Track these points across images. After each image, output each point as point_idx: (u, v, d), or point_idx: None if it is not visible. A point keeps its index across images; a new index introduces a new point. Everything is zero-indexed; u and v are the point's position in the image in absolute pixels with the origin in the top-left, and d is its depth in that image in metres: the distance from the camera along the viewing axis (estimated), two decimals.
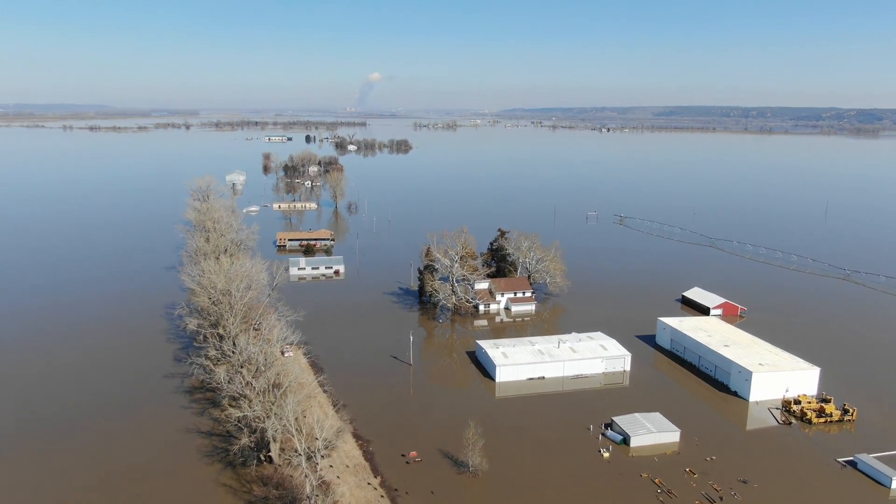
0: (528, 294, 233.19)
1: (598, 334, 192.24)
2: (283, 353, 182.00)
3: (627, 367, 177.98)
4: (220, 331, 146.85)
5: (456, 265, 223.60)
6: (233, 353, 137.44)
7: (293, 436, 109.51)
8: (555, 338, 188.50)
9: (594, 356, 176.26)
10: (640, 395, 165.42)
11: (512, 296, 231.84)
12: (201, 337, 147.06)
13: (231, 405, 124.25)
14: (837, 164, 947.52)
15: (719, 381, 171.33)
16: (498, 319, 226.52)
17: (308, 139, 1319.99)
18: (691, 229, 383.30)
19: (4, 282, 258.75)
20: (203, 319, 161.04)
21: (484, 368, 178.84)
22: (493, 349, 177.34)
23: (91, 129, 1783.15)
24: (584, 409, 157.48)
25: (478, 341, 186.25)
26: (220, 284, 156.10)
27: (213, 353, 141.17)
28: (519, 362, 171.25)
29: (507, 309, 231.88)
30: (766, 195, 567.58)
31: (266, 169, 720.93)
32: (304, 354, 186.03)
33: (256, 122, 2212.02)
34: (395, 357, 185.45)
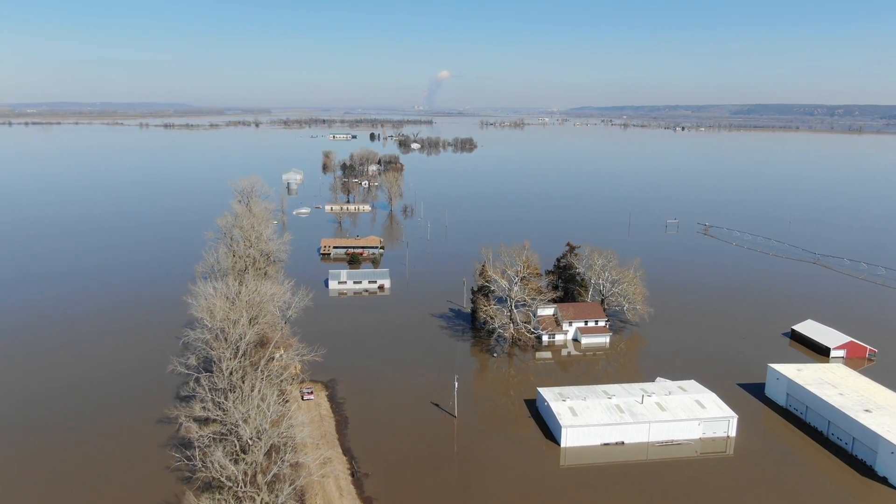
0: (601, 323, 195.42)
1: (692, 384, 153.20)
2: (302, 396, 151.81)
3: (732, 433, 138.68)
4: (209, 381, 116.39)
5: (515, 287, 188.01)
6: (223, 413, 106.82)
7: None
8: (636, 387, 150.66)
9: (689, 417, 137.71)
10: (750, 474, 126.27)
11: (582, 325, 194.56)
12: (191, 385, 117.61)
13: (199, 497, 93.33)
14: None
15: (859, 460, 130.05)
16: (565, 353, 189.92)
17: (372, 137, 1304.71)
18: (789, 242, 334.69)
19: (23, 281, 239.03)
20: (199, 358, 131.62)
21: (546, 424, 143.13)
22: (558, 402, 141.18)
23: (165, 126, 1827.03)
24: (676, 493, 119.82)
25: (539, 389, 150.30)
26: (218, 314, 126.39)
27: (198, 408, 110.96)
28: (591, 423, 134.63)
29: (575, 340, 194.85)
30: (870, 202, 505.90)
31: (325, 167, 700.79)
32: (329, 397, 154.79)
33: (324, 120, 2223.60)
34: (436, 405, 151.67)
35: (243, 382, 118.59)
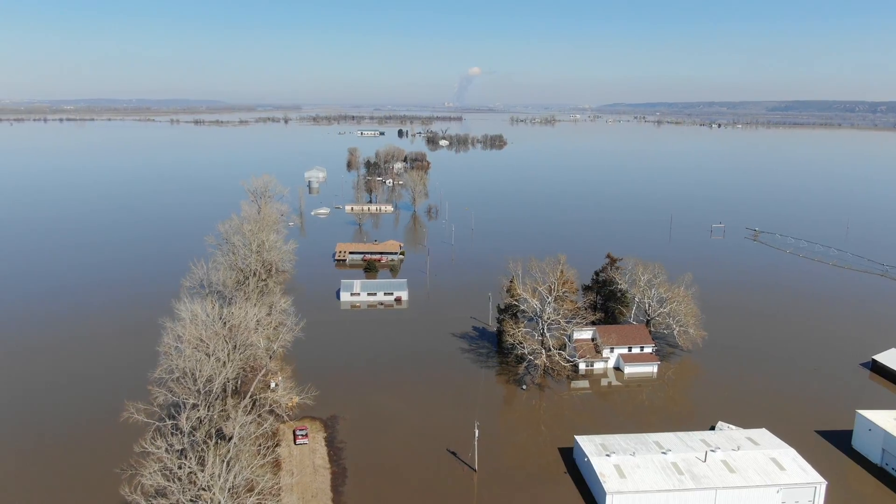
0: (647, 350, 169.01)
1: (764, 434, 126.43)
2: (295, 438, 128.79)
3: (820, 502, 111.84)
4: (166, 439, 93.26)
5: (549, 308, 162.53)
6: (179, 482, 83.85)
7: None
8: (695, 437, 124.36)
9: (765, 482, 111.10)
10: None
11: (625, 351, 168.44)
12: (147, 439, 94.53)
13: None
14: None
15: None
16: (605, 382, 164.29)
17: (401, 134, 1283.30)
18: (851, 251, 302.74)
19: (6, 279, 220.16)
20: (166, 401, 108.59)
21: (585, 483, 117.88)
22: (601, 458, 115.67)
23: (195, 122, 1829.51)
24: None
25: (577, 438, 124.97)
26: (186, 350, 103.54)
27: (147, 474, 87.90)
28: (643, 488, 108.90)
29: (617, 369, 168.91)
30: None
31: (350, 165, 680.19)
32: (327, 440, 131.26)
33: (353, 117, 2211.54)
34: (453, 453, 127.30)
35: (211, 437, 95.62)
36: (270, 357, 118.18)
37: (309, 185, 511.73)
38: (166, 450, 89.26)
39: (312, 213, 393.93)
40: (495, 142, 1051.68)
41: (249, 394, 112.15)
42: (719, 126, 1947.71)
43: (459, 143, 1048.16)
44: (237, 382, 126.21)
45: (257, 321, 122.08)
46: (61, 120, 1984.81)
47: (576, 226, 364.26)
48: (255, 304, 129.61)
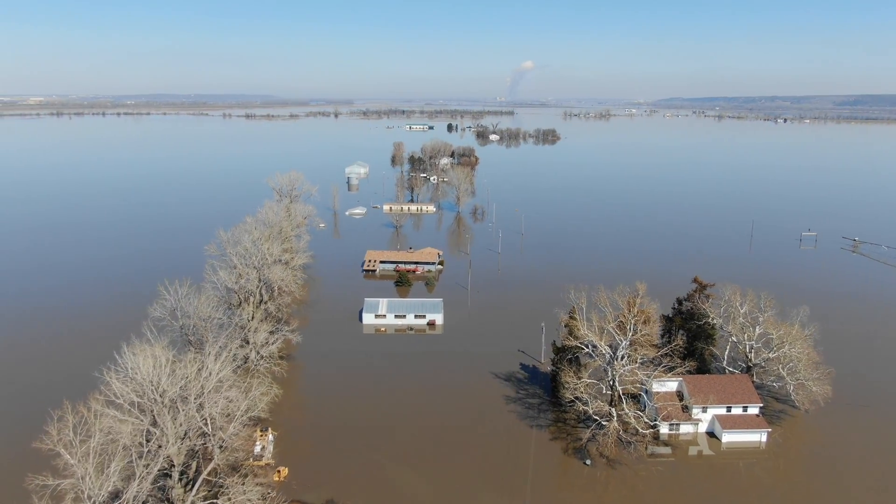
0: (752, 410, 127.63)
1: None
2: None
3: None
4: None
5: (623, 355, 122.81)
6: None
7: None
8: None
9: None
10: None
11: (722, 412, 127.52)
12: None
13: None
14: None
15: None
16: (693, 451, 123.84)
17: (450, 128, 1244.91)
18: None
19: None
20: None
21: None
22: None
23: (247, 116, 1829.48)
24: None
25: None
26: (78, 453, 68.33)
27: None
28: None
29: (711, 435, 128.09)
30: None
31: (395, 160, 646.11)
32: None
33: (403, 111, 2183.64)
34: None
35: None
36: (221, 448, 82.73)
37: (348, 182, 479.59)
38: None
39: (347, 214, 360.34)
40: (548, 136, 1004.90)
41: (196, 489, 76.54)
42: (785, 121, 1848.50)
43: (510, 137, 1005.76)
44: (195, 463, 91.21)
45: (217, 380, 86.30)
46: (118, 114, 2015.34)
47: (638, 233, 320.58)
48: (220, 358, 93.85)
